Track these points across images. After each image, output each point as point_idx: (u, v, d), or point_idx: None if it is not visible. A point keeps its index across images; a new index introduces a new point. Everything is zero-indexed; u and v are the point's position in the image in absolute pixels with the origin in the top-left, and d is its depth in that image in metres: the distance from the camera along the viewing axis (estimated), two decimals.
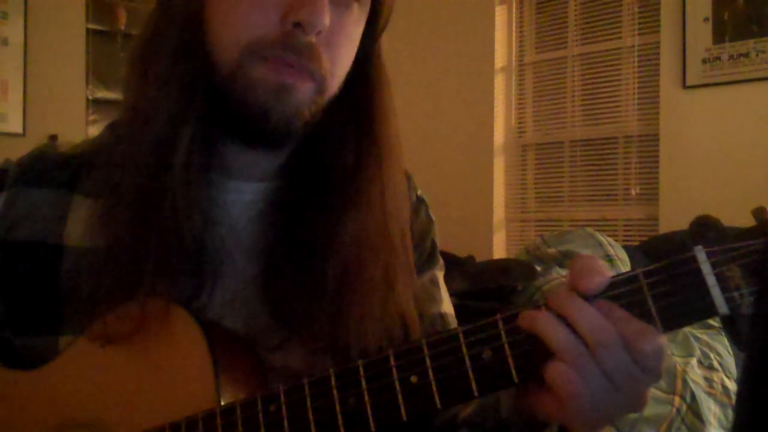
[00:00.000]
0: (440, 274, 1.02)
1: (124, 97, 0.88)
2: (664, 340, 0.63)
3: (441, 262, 1.03)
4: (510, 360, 0.65)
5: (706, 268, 0.61)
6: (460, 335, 0.67)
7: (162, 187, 0.81)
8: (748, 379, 0.44)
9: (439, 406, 0.67)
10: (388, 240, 0.88)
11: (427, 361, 0.67)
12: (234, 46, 0.81)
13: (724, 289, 0.61)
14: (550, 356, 0.64)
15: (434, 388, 0.67)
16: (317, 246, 0.86)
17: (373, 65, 0.91)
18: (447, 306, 1.00)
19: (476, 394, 0.66)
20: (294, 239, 0.87)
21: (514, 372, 0.65)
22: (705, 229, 0.62)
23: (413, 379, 0.68)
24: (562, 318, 0.63)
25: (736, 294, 0.61)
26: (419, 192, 1.03)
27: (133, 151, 0.83)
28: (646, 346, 0.61)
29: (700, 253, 0.62)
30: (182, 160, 0.81)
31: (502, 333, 0.65)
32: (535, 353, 0.64)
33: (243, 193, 0.90)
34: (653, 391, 1.87)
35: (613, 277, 0.65)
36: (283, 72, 0.80)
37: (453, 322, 0.99)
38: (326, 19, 0.80)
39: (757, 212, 0.62)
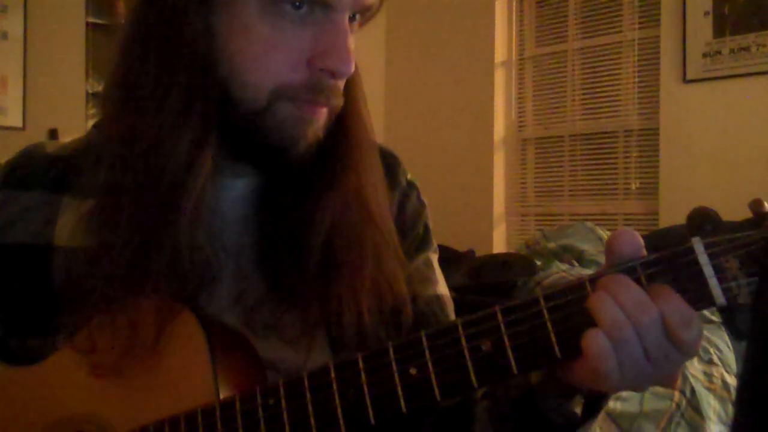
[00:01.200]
0: (434, 257, 1.02)
1: (117, 119, 0.85)
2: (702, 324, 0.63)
3: (435, 245, 1.03)
4: (509, 351, 0.65)
5: (703, 259, 0.61)
6: (460, 327, 0.67)
7: (173, 205, 0.81)
8: (748, 374, 0.44)
9: (438, 398, 0.67)
10: (369, 216, 0.89)
11: (427, 354, 0.67)
12: (261, 88, 0.81)
13: (721, 280, 0.61)
14: (549, 346, 0.64)
15: (434, 380, 0.67)
16: (305, 224, 0.87)
17: None
18: (442, 287, 1.00)
19: (476, 385, 0.66)
20: (283, 222, 0.88)
21: (513, 363, 0.65)
22: (702, 220, 0.62)
23: (413, 371, 0.68)
24: (611, 295, 0.63)
25: (733, 285, 0.61)
26: (409, 176, 1.03)
27: (142, 178, 0.81)
28: (688, 334, 0.62)
29: (698, 245, 0.62)
30: (199, 190, 0.81)
31: (501, 325, 0.65)
32: (535, 344, 0.65)
33: (234, 189, 0.90)
34: (653, 387, 1.88)
35: (612, 267, 0.65)
36: (308, 111, 0.82)
37: (449, 303, 0.99)
38: (353, 65, 0.82)
39: (754, 204, 0.62)
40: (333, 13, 0.80)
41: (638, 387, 0.66)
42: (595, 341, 0.62)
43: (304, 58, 0.81)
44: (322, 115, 0.84)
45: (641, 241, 0.66)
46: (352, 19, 0.84)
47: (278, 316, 0.85)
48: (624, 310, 0.62)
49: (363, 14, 0.85)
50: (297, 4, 0.79)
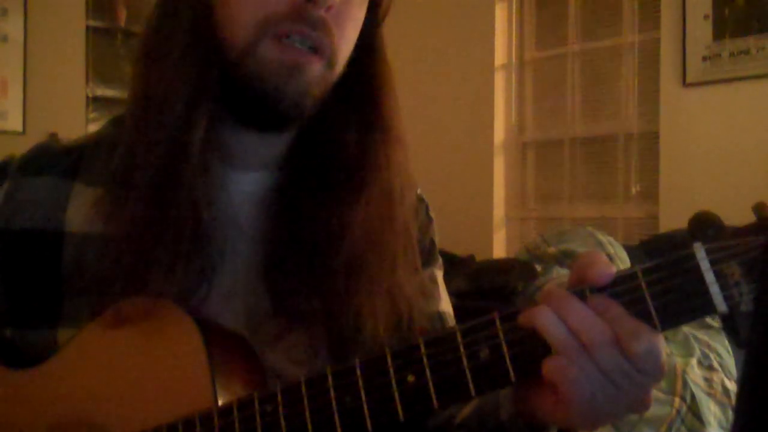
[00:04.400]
0: (439, 273, 1.02)
1: (133, 89, 0.87)
2: (659, 340, 0.62)
3: (440, 261, 1.03)
4: (507, 359, 0.64)
5: (704, 266, 0.61)
6: (458, 334, 0.66)
7: (179, 176, 0.81)
8: (748, 379, 0.43)
9: (436, 405, 0.67)
10: (392, 230, 0.88)
11: (425, 361, 0.67)
12: (247, 23, 0.82)
13: (723, 287, 0.60)
14: (548, 354, 0.64)
15: (431, 387, 0.66)
16: (319, 234, 0.86)
17: (375, 53, 0.92)
18: (446, 305, 1.00)
19: (474, 393, 0.66)
20: (295, 228, 0.87)
21: (511, 371, 0.64)
22: (704, 225, 0.61)
23: (410, 378, 0.67)
24: (559, 315, 0.63)
25: (735, 291, 0.60)
26: (419, 191, 1.03)
27: (148, 140, 0.83)
28: (637, 347, 0.61)
29: (699, 251, 0.61)
30: (199, 147, 0.82)
31: (500, 332, 0.65)
32: (534, 352, 0.64)
33: (243, 183, 0.90)
34: (653, 392, 1.88)
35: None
36: (295, 52, 0.82)
37: (451, 321, 0.99)
38: None
39: (758, 208, 0.61)
40: None
41: (609, 415, 0.65)
42: (552, 364, 0.62)
43: None
44: (314, 63, 0.83)
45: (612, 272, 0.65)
46: None
47: (282, 333, 0.85)
48: (568, 327, 0.62)
49: None
50: None
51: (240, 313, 0.86)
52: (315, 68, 0.83)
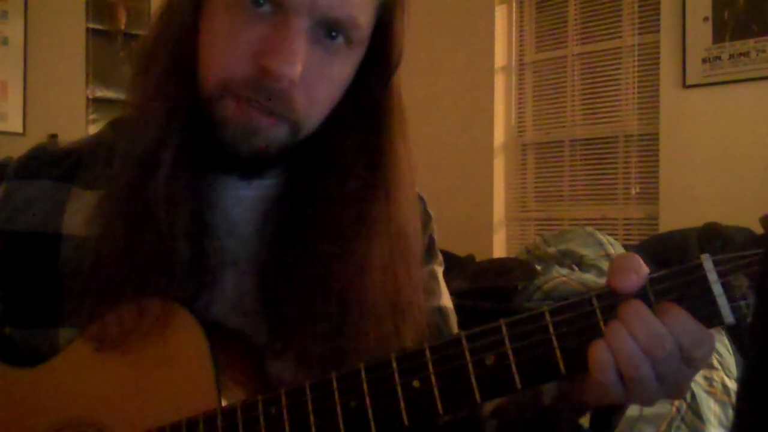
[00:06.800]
0: (439, 269, 1.02)
1: (127, 96, 0.89)
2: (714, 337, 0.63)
3: (440, 257, 1.03)
4: (513, 366, 0.64)
5: (712, 277, 0.61)
6: (463, 340, 0.66)
7: (149, 186, 0.82)
8: (748, 378, 0.44)
9: (441, 411, 0.67)
10: (392, 265, 0.87)
11: (430, 366, 0.67)
12: (211, 80, 0.82)
13: (730, 298, 0.60)
14: (554, 362, 0.64)
15: (436, 393, 0.67)
16: (318, 240, 0.86)
17: (386, 98, 0.91)
18: (446, 300, 1.00)
19: (479, 399, 0.66)
20: (295, 250, 0.86)
21: (517, 378, 0.64)
22: (712, 236, 0.61)
23: (415, 383, 0.67)
24: (626, 327, 0.63)
25: (742, 303, 0.60)
26: (416, 189, 1.03)
27: (128, 148, 0.84)
28: (700, 353, 0.62)
29: (707, 262, 0.61)
30: (170, 160, 0.82)
31: (506, 339, 0.65)
32: (539, 359, 0.64)
33: (242, 189, 0.90)
34: None
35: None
36: (252, 115, 0.81)
37: (452, 316, 0.99)
38: (296, 69, 0.79)
39: (765, 220, 0.61)
40: (290, 16, 0.79)
41: (647, 403, 0.66)
42: (602, 367, 0.63)
43: (251, 53, 0.80)
44: (273, 127, 0.82)
45: (645, 272, 0.65)
46: (334, 37, 0.82)
47: (276, 354, 0.84)
48: (639, 343, 0.62)
49: (336, 29, 0.82)
50: (259, 1, 0.80)
51: (236, 321, 0.86)
52: (274, 132, 0.82)
